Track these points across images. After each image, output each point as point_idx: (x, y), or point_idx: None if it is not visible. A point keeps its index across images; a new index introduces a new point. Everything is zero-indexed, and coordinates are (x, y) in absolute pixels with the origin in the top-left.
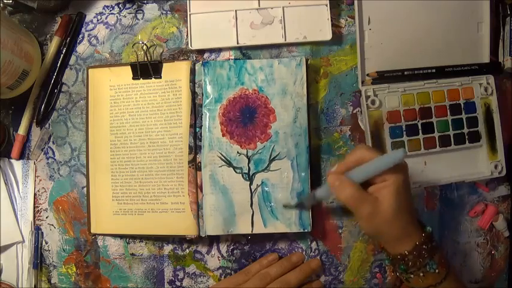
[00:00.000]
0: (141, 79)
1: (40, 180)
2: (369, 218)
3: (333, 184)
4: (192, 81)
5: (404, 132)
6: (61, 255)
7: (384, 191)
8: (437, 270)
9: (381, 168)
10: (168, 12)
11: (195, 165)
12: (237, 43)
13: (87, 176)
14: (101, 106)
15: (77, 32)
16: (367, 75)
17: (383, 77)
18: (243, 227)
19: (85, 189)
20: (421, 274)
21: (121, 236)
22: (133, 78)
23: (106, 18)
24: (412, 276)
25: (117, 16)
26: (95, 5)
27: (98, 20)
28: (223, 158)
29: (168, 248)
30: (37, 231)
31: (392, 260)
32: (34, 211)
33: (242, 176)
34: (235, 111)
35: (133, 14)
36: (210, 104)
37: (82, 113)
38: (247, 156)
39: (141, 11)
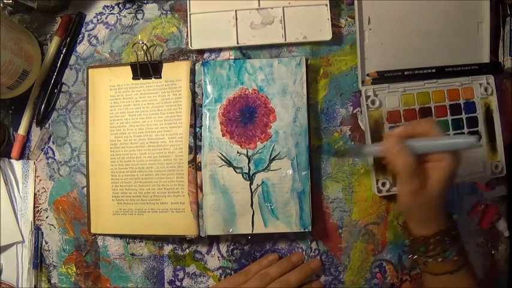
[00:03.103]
0: (141, 79)
1: (40, 180)
2: (412, 193)
3: (391, 148)
4: (192, 81)
5: None
6: (61, 255)
7: (436, 171)
8: (455, 258)
9: (447, 148)
10: (168, 12)
11: (195, 165)
12: (237, 43)
13: (87, 176)
14: (100, 106)
15: (77, 32)
16: (367, 75)
17: (383, 77)
18: (243, 227)
19: (85, 189)
20: (439, 259)
21: (121, 236)
22: (133, 78)
23: (106, 18)
24: (429, 260)
25: (117, 16)
26: (95, 5)
27: (98, 20)
28: (223, 157)
29: (168, 248)
30: (37, 231)
31: (413, 240)
32: (34, 211)
33: (242, 175)
34: (235, 111)
35: (133, 14)
36: (210, 103)
37: (82, 113)
38: (247, 156)
39: (141, 11)
